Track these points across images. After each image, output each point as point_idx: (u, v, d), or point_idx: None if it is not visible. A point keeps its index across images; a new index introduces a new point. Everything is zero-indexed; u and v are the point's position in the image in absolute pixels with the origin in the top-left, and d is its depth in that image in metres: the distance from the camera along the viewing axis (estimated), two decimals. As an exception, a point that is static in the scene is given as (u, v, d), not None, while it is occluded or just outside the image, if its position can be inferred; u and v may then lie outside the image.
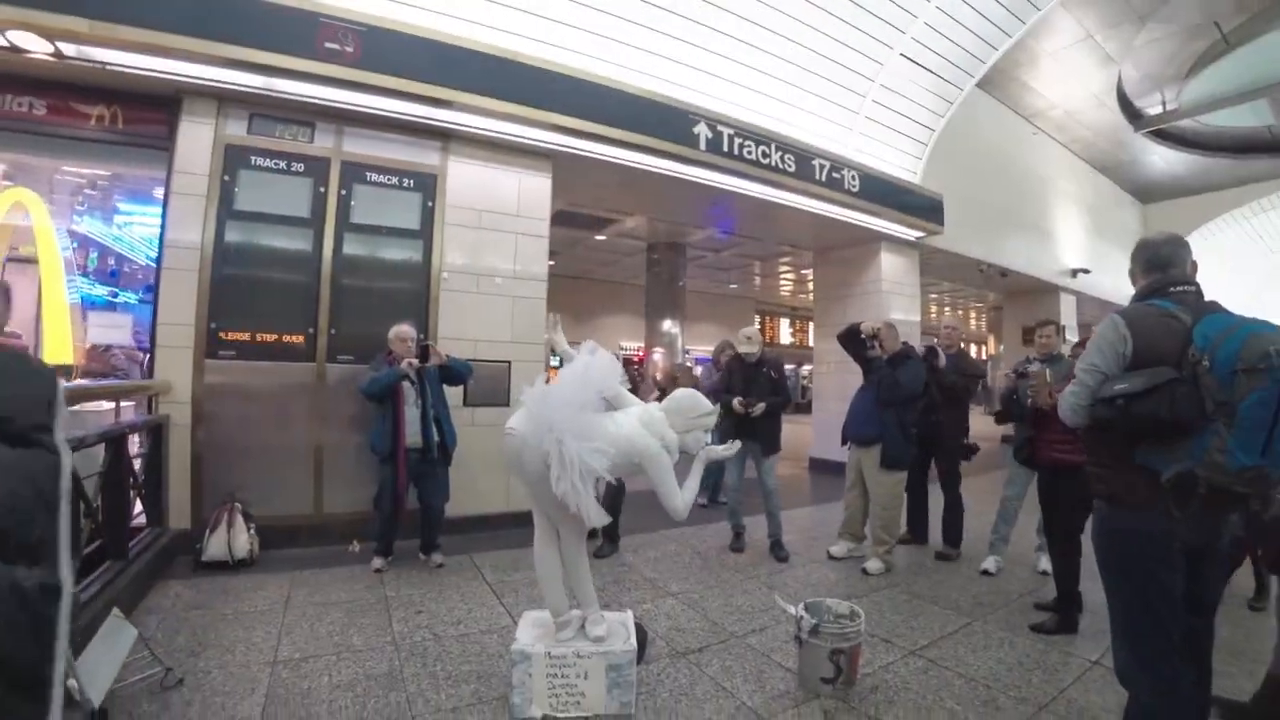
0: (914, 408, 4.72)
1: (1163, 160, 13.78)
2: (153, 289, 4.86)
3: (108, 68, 4.28)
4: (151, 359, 4.70)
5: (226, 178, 4.67)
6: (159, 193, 4.99)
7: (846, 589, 4.19)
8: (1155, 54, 9.99)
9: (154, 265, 4.96)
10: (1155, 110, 11.68)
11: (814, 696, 2.82)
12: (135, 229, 6.69)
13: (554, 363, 5.38)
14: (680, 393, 2.95)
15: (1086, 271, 13.08)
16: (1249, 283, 18.21)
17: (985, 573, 4.57)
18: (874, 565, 4.57)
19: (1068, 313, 13.33)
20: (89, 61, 4.22)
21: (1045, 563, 4.41)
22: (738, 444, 3.14)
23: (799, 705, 2.76)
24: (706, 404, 2.89)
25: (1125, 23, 9.06)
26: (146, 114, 4.73)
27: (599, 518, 2.54)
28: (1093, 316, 14.56)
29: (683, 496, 2.69)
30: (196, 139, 4.63)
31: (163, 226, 4.63)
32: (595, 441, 2.49)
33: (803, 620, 2.87)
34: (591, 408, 2.63)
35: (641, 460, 2.67)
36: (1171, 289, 2.04)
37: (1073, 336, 12.06)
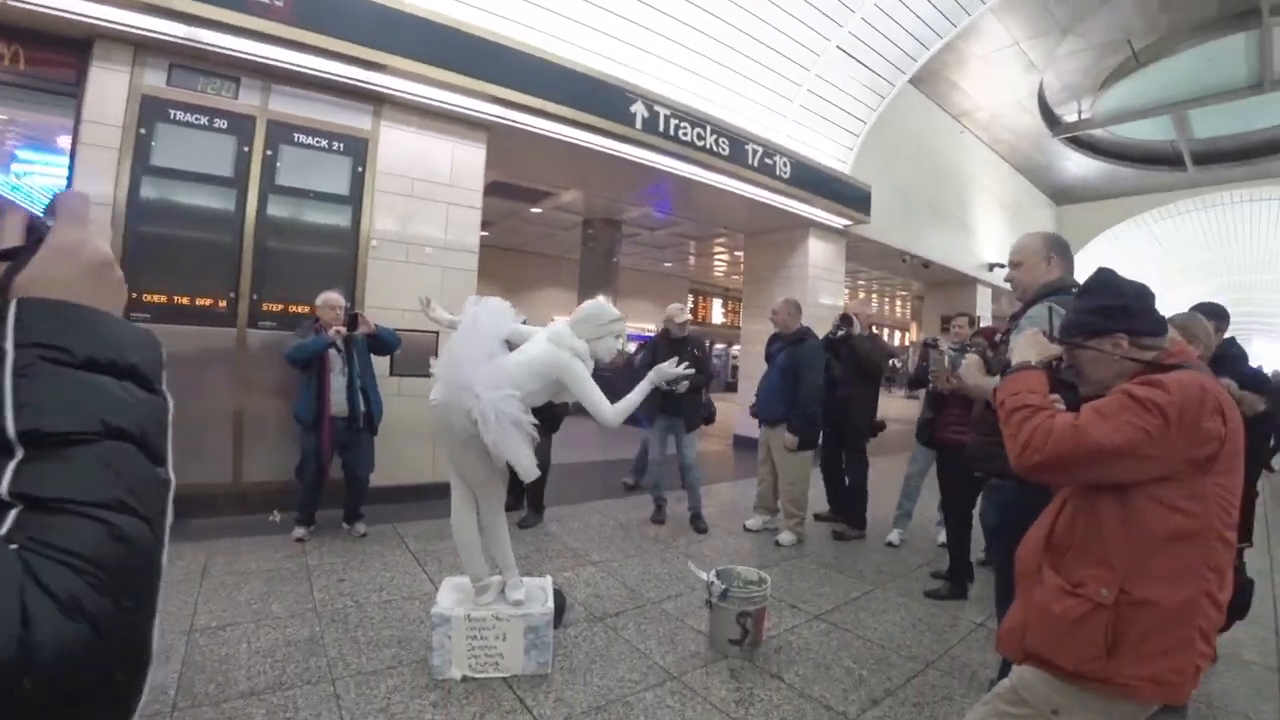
0: (819, 387, 4.89)
1: (1076, 166, 14.66)
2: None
3: (9, 3, 3.96)
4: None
5: (142, 130, 4.41)
6: (64, 141, 4.69)
7: (760, 559, 4.41)
8: (1074, 65, 10.59)
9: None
10: (1072, 118, 12.42)
11: (722, 657, 3.01)
12: (35, 179, 6.24)
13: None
14: (587, 302, 2.98)
15: (1003, 266, 13.72)
16: (1148, 282, 19.54)
17: (890, 545, 4.91)
18: (786, 537, 4.83)
19: (984, 305, 14.05)
20: (-13, -5, 3.91)
21: (944, 536, 4.74)
22: (691, 371, 3.08)
23: (707, 665, 2.94)
24: (613, 311, 2.93)
25: (1049, 33, 9.56)
26: (52, 55, 4.39)
27: (530, 469, 2.58)
28: (1007, 309, 15.39)
29: (616, 406, 2.68)
30: (109, 87, 4.34)
31: (69, 179, 4.36)
32: (504, 388, 2.53)
33: (713, 586, 3.05)
34: (495, 354, 2.65)
35: (558, 375, 2.68)
36: (1073, 289, 2.24)
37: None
